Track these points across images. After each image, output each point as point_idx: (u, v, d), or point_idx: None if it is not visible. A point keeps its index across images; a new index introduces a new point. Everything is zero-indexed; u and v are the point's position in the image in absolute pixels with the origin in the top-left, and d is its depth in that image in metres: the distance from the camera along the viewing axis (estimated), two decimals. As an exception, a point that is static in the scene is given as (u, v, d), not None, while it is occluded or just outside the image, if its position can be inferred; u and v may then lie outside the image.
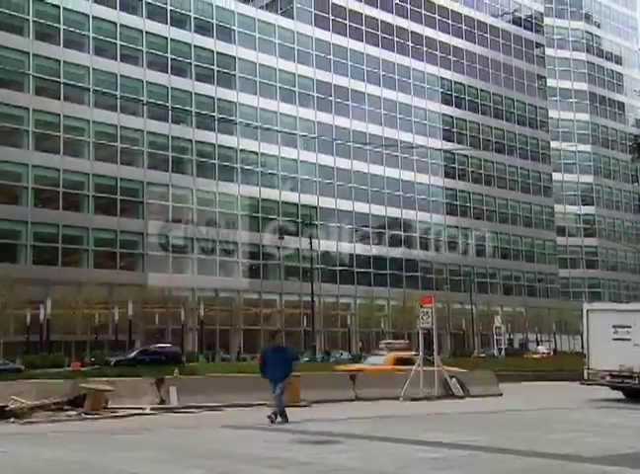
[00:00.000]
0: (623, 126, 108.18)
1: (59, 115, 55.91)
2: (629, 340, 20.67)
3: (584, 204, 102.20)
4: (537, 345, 77.81)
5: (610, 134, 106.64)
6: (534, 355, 57.01)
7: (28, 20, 55.54)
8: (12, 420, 15.10)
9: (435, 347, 22.18)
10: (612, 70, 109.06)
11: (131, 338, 52.40)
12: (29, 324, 48.83)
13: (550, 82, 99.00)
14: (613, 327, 21.07)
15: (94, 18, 58.39)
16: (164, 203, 60.78)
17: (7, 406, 15.40)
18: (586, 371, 21.71)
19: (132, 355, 39.40)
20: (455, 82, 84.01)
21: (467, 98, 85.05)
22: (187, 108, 62.82)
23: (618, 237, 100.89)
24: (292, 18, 70.63)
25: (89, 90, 57.52)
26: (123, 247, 58.62)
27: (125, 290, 54.66)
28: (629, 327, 20.85)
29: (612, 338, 20.97)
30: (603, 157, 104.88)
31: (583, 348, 23.45)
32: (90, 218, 56.83)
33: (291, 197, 67.97)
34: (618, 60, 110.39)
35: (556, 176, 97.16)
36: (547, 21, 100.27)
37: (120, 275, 56.93)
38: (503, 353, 61.67)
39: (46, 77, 55.99)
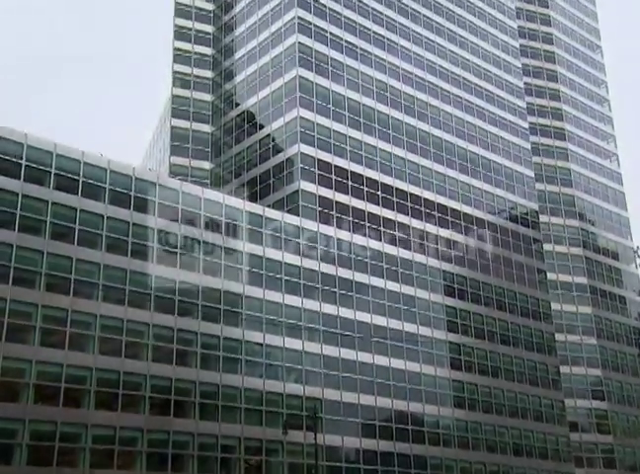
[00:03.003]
0: (627, 320, 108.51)
1: (67, 310, 56.46)
2: None
3: (594, 399, 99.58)
4: None
5: (615, 327, 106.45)
6: None
7: (45, 221, 57.89)
8: None
9: None
10: (610, 265, 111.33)
11: None
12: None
13: (550, 276, 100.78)
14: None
15: (108, 218, 61.01)
16: (167, 397, 59.73)
17: None
18: None
19: None
20: (457, 275, 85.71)
21: (470, 290, 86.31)
22: (194, 301, 63.72)
23: (635, 435, 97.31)
24: (298, 214, 73.87)
25: (98, 286, 58.68)
26: (122, 444, 56.63)
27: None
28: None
29: None
30: (610, 350, 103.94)
31: None
32: (90, 414, 55.37)
33: (295, 388, 66.88)
34: (615, 256, 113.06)
35: (564, 369, 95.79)
36: (543, 218, 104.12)
37: (117, 475, 54.63)
38: None
39: (58, 274, 57.23)
